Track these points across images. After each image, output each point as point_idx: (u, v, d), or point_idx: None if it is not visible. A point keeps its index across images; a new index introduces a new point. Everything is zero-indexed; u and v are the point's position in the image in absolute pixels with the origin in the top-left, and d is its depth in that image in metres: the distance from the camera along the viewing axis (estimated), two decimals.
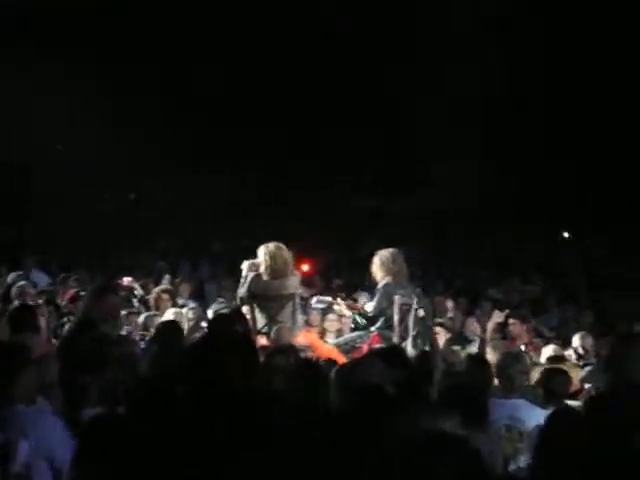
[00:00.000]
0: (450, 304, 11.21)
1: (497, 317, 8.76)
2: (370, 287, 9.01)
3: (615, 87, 16.59)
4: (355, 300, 9.66)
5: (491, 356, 7.76)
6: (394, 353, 5.77)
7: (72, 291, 9.35)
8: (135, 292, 9.60)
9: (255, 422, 3.28)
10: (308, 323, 8.86)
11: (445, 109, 16.82)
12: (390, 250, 8.25)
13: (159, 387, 3.72)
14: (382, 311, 8.02)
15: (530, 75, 17.22)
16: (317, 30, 17.06)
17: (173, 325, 6.88)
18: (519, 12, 16.43)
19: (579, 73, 16.94)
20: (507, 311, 9.09)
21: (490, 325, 8.61)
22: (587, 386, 6.61)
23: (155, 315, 8.66)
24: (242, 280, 8.19)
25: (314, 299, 9.13)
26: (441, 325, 9.45)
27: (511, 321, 9.18)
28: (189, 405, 3.52)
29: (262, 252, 8.04)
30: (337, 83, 17.27)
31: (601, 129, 17.12)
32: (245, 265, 8.25)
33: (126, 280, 9.75)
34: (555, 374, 5.96)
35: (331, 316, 8.81)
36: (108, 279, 9.95)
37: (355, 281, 12.48)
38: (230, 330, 5.74)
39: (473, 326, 9.54)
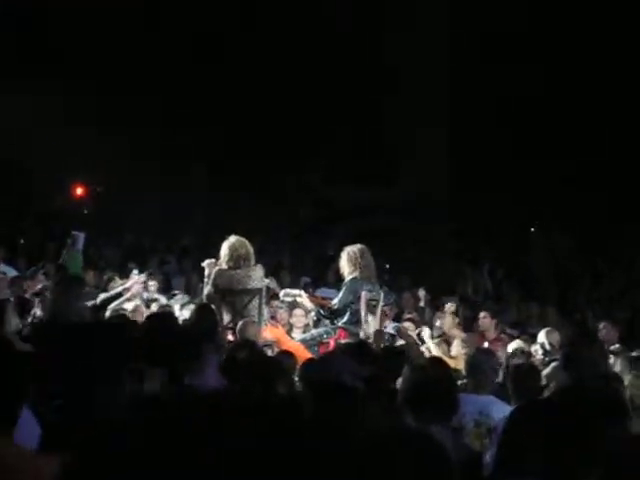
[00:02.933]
0: (422, 293, 11.23)
1: (450, 307, 8.80)
2: (336, 283, 8.99)
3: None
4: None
5: (457, 350, 7.81)
6: (361, 349, 5.77)
7: (39, 285, 9.25)
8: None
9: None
10: (275, 318, 8.83)
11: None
12: (358, 246, 8.26)
13: None
14: (347, 305, 8.02)
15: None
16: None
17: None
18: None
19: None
20: (456, 303, 9.08)
21: (447, 319, 8.65)
22: (552, 383, 6.61)
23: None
24: (206, 280, 8.14)
25: (282, 292, 9.09)
26: (410, 320, 9.46)
27: (482, 314, 9.18)
28: None
29: (224, 245, 8.01)
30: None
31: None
32: (206, 263, 8.21)
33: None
34: (525, 370, 5.93)
35: (298, 311, 8.77)
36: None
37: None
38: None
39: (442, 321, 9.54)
